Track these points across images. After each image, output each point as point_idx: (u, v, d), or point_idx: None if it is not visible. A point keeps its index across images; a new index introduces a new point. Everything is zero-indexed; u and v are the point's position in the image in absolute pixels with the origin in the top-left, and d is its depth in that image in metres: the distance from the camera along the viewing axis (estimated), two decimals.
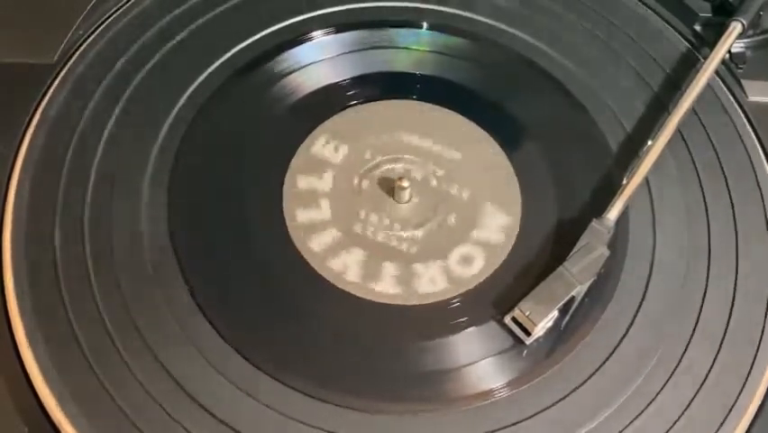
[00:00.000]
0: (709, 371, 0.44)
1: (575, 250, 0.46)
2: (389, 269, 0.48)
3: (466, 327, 0.46)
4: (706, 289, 0.47)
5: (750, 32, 0.57)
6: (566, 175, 0.52)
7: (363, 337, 0.45)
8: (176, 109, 0.52)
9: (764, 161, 0.53)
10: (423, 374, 0.44)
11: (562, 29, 0.58)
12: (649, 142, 0.51)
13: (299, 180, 0.51)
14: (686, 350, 0.45)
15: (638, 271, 0.48)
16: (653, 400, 0.44)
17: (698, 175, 0.52)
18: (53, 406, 0.41)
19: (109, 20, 0.56)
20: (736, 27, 0.55)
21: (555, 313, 0.45)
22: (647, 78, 0.56)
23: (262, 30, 0.56)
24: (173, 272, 0.46)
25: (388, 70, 0.56)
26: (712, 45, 0.55)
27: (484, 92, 0.55)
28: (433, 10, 0.58)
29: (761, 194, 0.51)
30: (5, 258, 0.45)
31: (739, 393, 0.44)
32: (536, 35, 0.57)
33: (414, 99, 0.55)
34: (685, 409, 0.43)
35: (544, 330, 0.45)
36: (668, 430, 0.43)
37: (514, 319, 0.45)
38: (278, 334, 0.45)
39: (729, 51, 0.56)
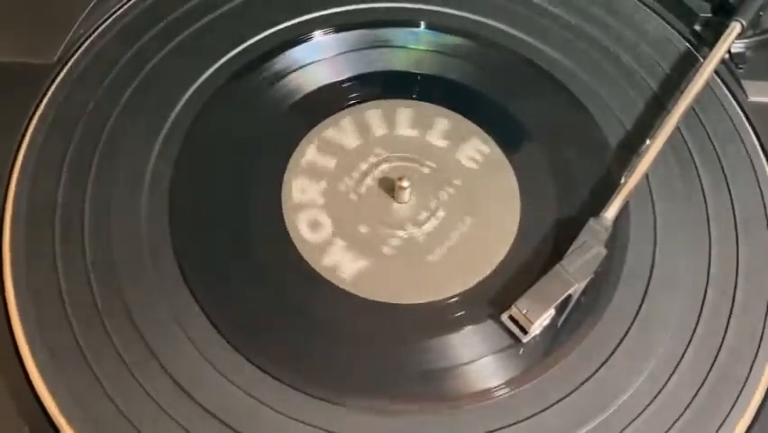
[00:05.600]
0: (709, 371, 0.44)
1: (572, 248, 0.46)
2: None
3: (464, 326, 0.46)
4: (706, 289, 0.47)
5: (750, 32, 0.57)
6: (566, 174, 0.52)
7: (362, 336, 0.45)
8: (176, 109, 0.52)
9: (764, 161, 0.53)
10: (420, 373, 0.44)
11: (561, 29, 0.58)
12: (648, 142, 0.51)
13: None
14: (686, 350, 0.45)
15: (638, 271, 0.48)
16: (653, 400, 0.43)
17: (698, 175, 0.52)
18: (53, 406, 0.42)
19: (110, 20, 0.56)
20: (735, 27, 0.55)
21: (552, 311, 0.45)
22: (647, 78, 0.56)
23: (262, 31, 0.56)
24: (173, 273, 0.46)
25: (387, 70, 0.56)
26: (712, 45, 0.55)
27: (484, 91, 0.55)
28: (433, 10, 0.58)
29: (761, 194, 0.51)
30: (5, 258, 0.46)
31: (739, 393, 0.44)
32: (536, 35, 0.57)
33: (413, 99, 0.55)
34: (685, 410, 0.43)
35: (541, 328, 0.45)
36: (668, 431, 0.43)
37: (511, 318, 0.45)
38: (278, 333, 0.45)
39: (729, 51, 0.56)
